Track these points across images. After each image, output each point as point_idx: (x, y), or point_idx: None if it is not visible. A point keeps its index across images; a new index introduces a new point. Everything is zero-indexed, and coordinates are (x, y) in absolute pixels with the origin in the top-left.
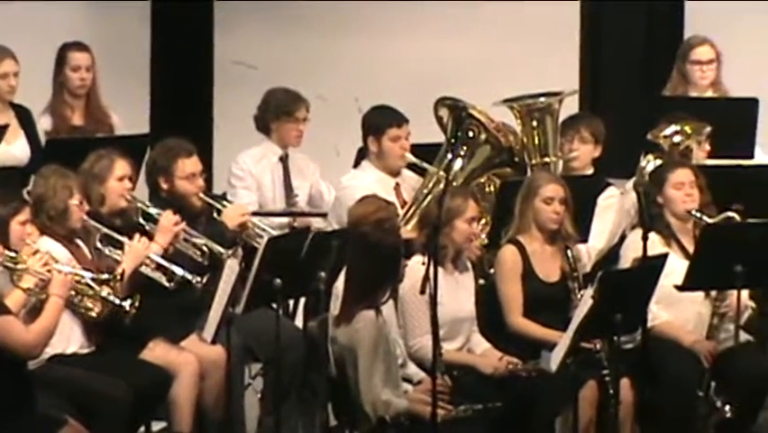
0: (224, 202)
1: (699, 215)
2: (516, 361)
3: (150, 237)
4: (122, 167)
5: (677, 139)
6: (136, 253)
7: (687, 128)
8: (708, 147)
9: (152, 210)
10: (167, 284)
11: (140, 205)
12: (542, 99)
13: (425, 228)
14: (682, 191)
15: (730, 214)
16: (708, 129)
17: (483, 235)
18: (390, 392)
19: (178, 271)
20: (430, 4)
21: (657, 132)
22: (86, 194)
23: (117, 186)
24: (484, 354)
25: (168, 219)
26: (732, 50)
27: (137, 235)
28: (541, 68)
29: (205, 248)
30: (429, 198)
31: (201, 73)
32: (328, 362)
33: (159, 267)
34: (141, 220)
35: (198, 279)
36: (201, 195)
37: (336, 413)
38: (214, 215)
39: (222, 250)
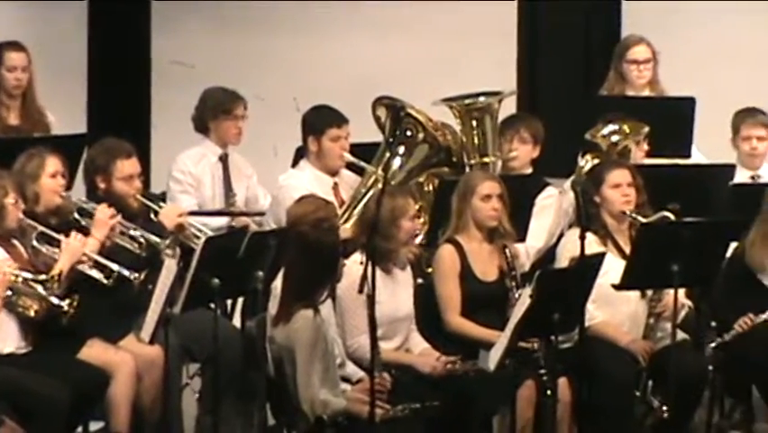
0: (161, 203)
1: (634, 215)
2: (453, 360)
3: (87, 233)
4: (53, 163)
5: (615, 138)
6: (73, 251)
7: (625, 127)
8: (646, 147)
9: (88, 205)
10: (105, 281)
11: (75, 200)
12: (481, 99)
13: (365, 228)
14: (619, 191)
15: (665, 213)
16: (647, 129)
17: (421, 235)
18: (328, 392)
19: (115, 267)
20: (368, 3)
21: (595, 131)
22: (21, 193)
23: (50, 183)
24: (422, 354)
25: (103, 212)
26: (669, 48)
27: (73, 233)
28: (480, 67)
29: (142, 239)
30: (367, 197)
31: (139, 73)
32: (266, 361)
33: (96, 264)
34: (76, 216)
35: (136, 275)
36: (138, 197)
37: (274, 413)
38: (152, 216)
39: (159, 240)
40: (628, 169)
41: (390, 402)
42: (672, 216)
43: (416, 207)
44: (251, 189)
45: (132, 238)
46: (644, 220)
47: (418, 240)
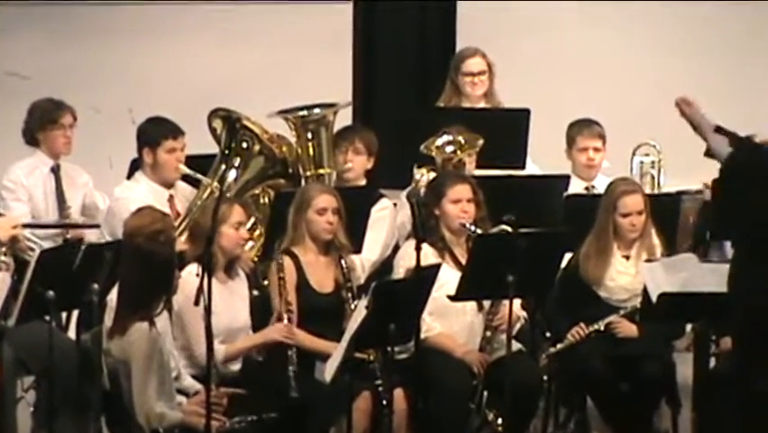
0: None
1: (472, 228)
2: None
3: None
4: None
5: (449, 149)
6: None
7: (461, 139)
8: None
9: None
10: None
11: None
12: (316, 111)
13: (195, 239)
14: (459, 207)
15: (503, 227)
16: (482, 141)
17: (257, 246)
18: (164, 405)
19: None
20: (203, 12)
21: (430, 143)
22: None
23: None
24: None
25: None
26: (504, 58)
27: None
28: (315, 77)
29: None
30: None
31: None
32: (102, 374)
33: None
34: None
35: None
36: None
37: (110, 426)
38: None
39: None
40: (469, 184)
41: (227, 414)
42: (510, 230)
43: (251, 219)
44: (89, 197)
45: None
46: (482, 233)
47: (253, 252)
